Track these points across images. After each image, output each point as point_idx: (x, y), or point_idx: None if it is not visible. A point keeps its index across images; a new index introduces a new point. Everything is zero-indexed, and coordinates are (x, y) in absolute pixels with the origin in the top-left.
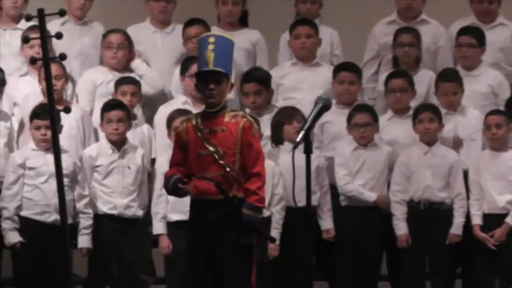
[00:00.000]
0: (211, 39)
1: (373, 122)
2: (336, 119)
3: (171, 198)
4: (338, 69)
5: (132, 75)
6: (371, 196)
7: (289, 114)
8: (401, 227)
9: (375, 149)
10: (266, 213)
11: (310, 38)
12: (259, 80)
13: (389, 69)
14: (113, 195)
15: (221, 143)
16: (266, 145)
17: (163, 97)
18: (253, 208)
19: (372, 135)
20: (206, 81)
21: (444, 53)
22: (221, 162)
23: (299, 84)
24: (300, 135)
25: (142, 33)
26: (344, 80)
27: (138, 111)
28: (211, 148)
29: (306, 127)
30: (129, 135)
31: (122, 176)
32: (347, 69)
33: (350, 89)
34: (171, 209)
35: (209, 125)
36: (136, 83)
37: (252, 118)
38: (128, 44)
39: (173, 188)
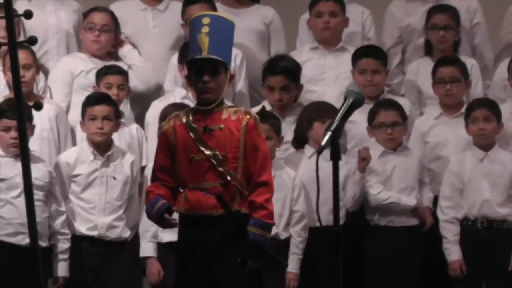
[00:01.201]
0: (206, 20)
1: (402, 121)
2: (360, 118)
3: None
4: (358, 55)
5: (118, 63)
6: (410, 200)
7: (322, 110)
8: (453, 252)
9: (407, 152)
10: (283, 235)
11: (334, 17)
12: (288, 72)
13: (420, 57)
14: (94, 212)
15: (219, 145)
16: (288, 150)
17: (157, 90)
18: (262, 225)
19: (401, 137)
20: (200, 72)
21: (481, 32)
22: (221, 169)
23: (321, 74)
24: (326, 138)
25: (129, 12)
26: (365, 69)
27: (125, 107)
28: (207, 152)
29: (333, 127)
30: (115, 137)
31: (105, 189)
32: (368, 55)
33: (374, 80)
34: None
35: (204, 123)
36: (123, 73)
37: (257, 114)
38: (114, 27)
39: (159, 218)
